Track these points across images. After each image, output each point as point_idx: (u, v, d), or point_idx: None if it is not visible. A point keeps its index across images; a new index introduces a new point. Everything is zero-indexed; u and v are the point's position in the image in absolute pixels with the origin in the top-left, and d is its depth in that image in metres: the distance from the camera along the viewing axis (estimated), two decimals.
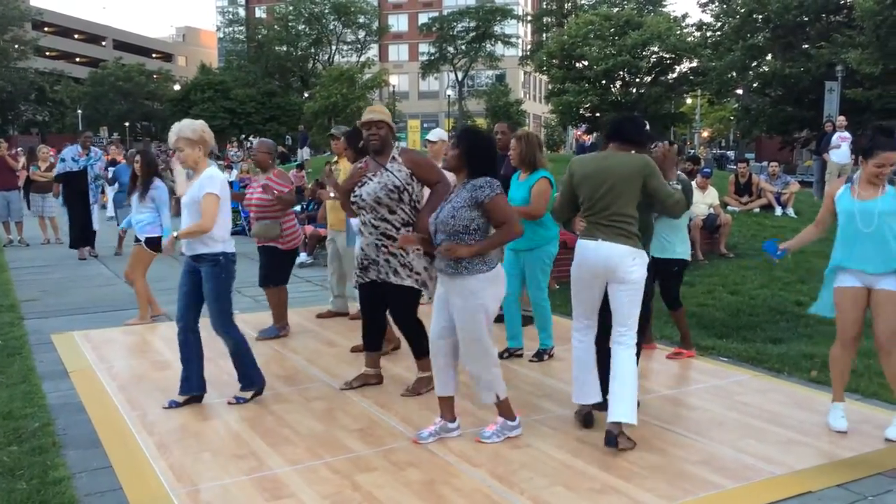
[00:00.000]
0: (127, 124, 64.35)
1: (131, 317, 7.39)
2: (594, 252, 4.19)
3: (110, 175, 12.55)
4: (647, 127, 4.58)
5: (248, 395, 4.99)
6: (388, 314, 5.31)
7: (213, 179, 4.77)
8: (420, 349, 5.04)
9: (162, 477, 3.87)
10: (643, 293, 4.24)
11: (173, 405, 4.89)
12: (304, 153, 29.64)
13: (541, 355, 5.98)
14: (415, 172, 4.98)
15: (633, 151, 4.30)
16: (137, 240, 7.29)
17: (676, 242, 5.86)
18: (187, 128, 4.78)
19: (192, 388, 4.97)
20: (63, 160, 11.57)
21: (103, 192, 15.74)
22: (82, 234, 11.45)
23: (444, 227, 4.15)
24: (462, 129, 4.47)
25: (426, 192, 5.08)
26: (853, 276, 4.41)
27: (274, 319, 6.75)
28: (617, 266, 4.14)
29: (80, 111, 60.45)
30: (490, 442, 4.26)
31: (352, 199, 5.10)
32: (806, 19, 36.44)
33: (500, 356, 5.99)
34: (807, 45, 35.98)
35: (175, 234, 4.89)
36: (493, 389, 4.24)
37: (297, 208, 12.34)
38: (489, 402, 4.32)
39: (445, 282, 4.22)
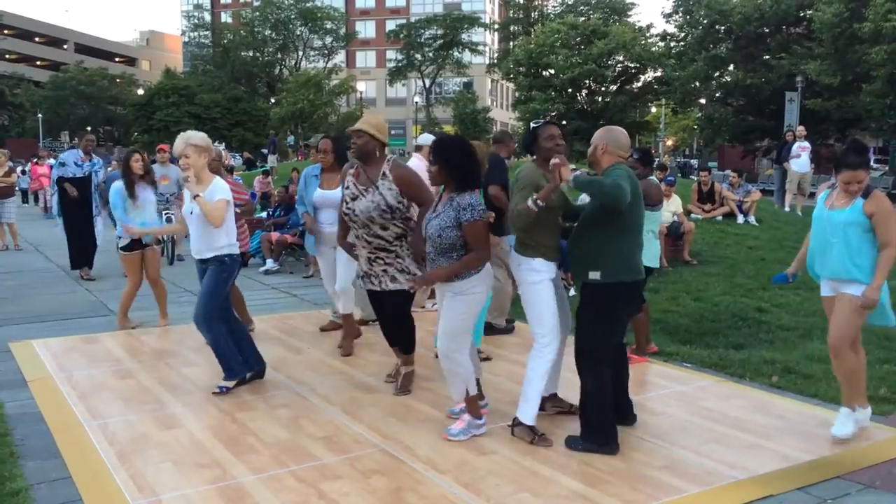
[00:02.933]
0: (89, 129, 63.22)
1: (92, 325, 7.32)
2: None
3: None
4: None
5: (231, 383, 5.24)
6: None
7: (225, 188, 5.17)
8: (410, 345, 5.23)
9: (123, 488, 3.80)
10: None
11: (223, 390, 5.19)
12: (272, 159, 29.46)
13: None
14: (403, 191, 4.95)
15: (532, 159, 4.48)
16: (145, 244, 7.22)
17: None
18: (195, 136, 5.13)
19: (251, 365, 5.41)
20: (63, 164, 10.17)
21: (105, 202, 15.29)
22: (83, 252, 10.07)
23: (433, 243, 4.24)
24: (436, 141, 4.43)
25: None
26: (827, 285, 4.53)
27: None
28: (514, 271, 4.42)
29: (40, 115, 59.39)
30: (457, 439, 4.32)
31: (344, 211, 5.09)
32: (767, 31, 37.18)
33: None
34: (768, 56, 36.72)
35: (198, 195, 5.05)
36: (464, 384, 4.34)
37: (264, 214, 12.26)
38: (459, 398, 4.38)
39: (440, 287, 4.33)
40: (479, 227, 4.16)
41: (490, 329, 6.91)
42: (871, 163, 36.71)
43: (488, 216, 4.32)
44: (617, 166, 4.19)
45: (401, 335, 5.25)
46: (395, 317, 5.19)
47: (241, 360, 5.32)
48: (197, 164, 5.09)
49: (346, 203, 5.06)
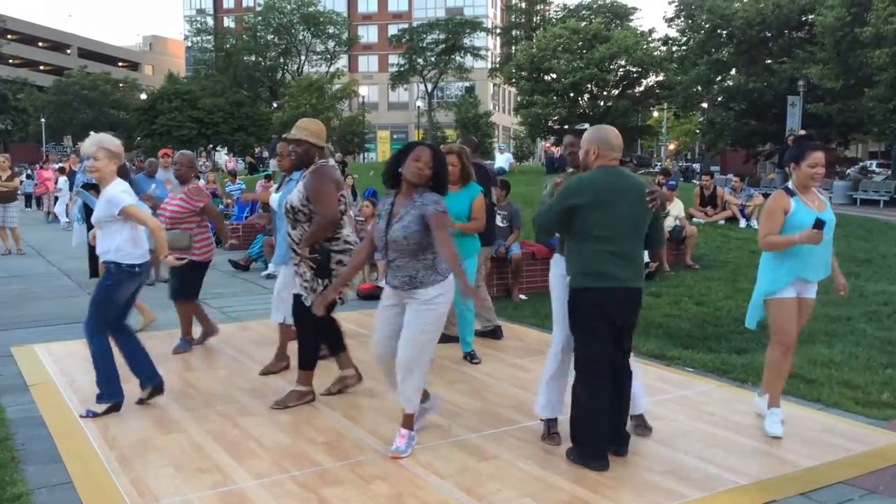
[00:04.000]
0: (92, 133, 63.39)
1: None
2: None
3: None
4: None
5: (101, 408, 4.90)
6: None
7: (125, 194, 4.90)
8: (301, 357, 5.12)
9: (123, 492, 3.80)
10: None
11: (90, 414, 4.88)
12: (273, 164, 29.48)
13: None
14: (308, 196, 4.86)
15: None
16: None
17: None
18: (109, 140, 4.94)
19: (143, 382, 5.07)
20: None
21: None
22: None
23: (398, 248, 4.15)
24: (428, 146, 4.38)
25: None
26: (793, 288, 4.57)
27: (182, 332, 6.61)
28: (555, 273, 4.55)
29: (43, 120, 59.51)
30: (406, 455, 4.22)
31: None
32: (769, 35, 37.18)
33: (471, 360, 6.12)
34: (770, 61, 36.73)
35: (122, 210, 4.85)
36: (417, 397, 4.25)
37: None
38: (410, 412, 4.28)
39: (398, 295, 4.24)
40: (445, 217, 4.09)
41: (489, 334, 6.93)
42: (864, 164, 36.65)
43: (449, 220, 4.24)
44: (580, 177, 4.15)
45: (300, 347, 5.15)
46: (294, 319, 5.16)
47: (113, 382, 4.90)
48: (105, 168, 4.88)
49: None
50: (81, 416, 4.87)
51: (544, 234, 4.38)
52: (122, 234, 4.85)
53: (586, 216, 4.02)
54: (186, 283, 6.47)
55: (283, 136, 5.38)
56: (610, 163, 4.11)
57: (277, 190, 6.28)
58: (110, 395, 4.91)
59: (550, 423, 4.50)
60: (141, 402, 5.06)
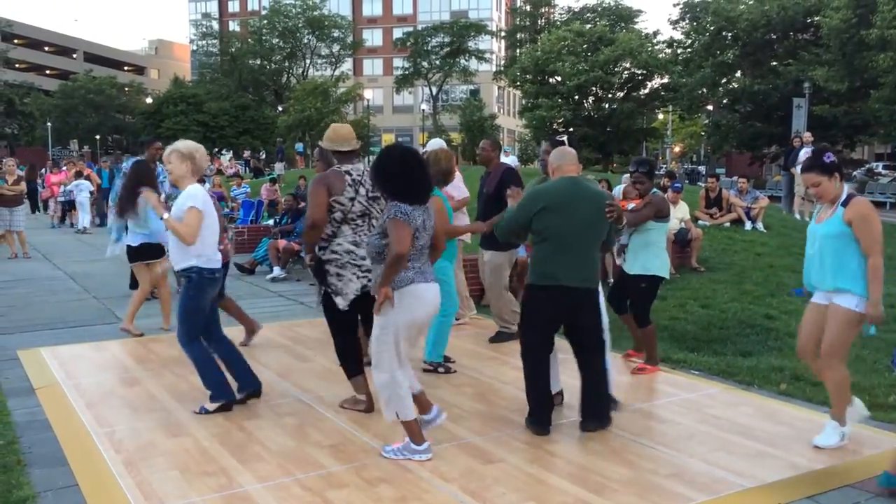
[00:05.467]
0: (98, 137, 63.71)
1: (100, 332, 7.35)
2: None
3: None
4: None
5: (213, 406, 4.98)
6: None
7: (196, 196, 4.89)
8: (343, 363, 5.14)
9: (129, 495, 3.81)
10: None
11: (203, 411, 4.96)
12: (279, 167, 29.59)
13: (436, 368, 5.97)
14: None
15: None
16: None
17: (646, 258, 5.86)
18: (182, 144, 5.01)
19: (242, 386, 5.17)
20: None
21: None
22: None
23: (368, 253, 4.29)
24: (382, 150, 4.36)
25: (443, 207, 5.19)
26: (819, 294, 4.51)
27: (245, 329, 6.74)
28: None
29: (49, 124, 59.79)
30: (388, 457, 4.21)
31: None
32: (774, 37, 37.14)
33: (436, 370, 5.94)
34: (775, 63, 36.69)
35: (166, 216, 4.90)
36: (391, 408, 4.16)
37: (271, 222, 12.29)
38: (389, 421, 4.28)
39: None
40: (398, 224, 3.98)
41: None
42: (870, 166, 36.46)
43: (405, 223, 4.07)
44: (538, 185, 4.84)
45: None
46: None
47: (224, 382, 5.03)
48: (177, 170, 4.94)
49: None
50: (194, 412, 4.94)
51: (506, 238, 4.96)
52: (203, 238, 4.88)
53: (543, 219, 4.51)
54: None
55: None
56: (568, 173, 4.65)
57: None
58: (222, 395, 5.00)
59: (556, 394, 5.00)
60: (238, 402, 5.11)
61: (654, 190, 6.01)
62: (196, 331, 4.97)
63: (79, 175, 18.86)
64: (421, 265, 4.17)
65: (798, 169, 15.65)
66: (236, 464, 4.19)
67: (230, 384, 5.08)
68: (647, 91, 45.62)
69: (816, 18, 33.55)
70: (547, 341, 4.70)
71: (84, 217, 17.71)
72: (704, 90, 39.79)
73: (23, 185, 13.89)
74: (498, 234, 4.91)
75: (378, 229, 4.15)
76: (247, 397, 5.18)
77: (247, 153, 44.13)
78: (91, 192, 18.29)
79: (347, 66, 68.36)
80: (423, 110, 59.83)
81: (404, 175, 4.09)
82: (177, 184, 5.03)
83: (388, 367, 4.12)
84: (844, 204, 4.31)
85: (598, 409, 4.67)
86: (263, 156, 42.55)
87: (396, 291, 4.07)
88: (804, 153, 15.78)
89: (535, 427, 4.65)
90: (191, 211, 4.82)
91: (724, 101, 40.17)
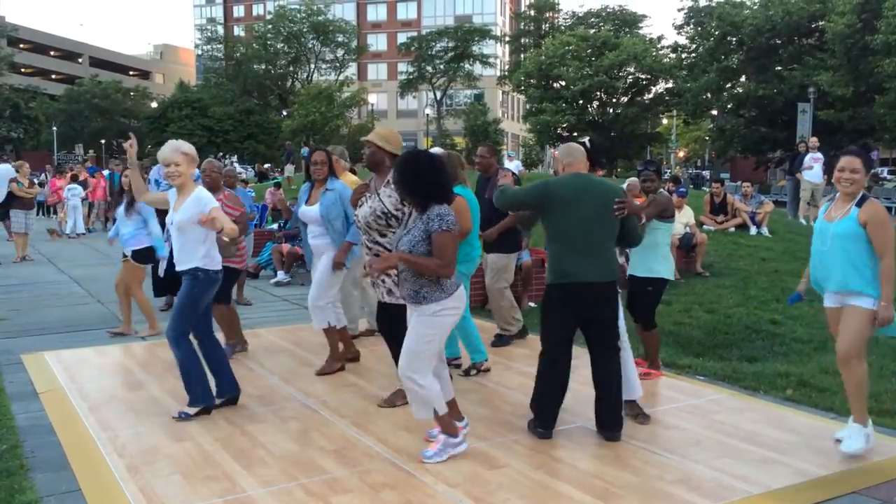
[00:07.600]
0: (103, 142, 63.89)
1: (103, 336, 7.34)
2: None
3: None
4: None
5: (193, 410, 4.97)
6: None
7: (212, 198, 4.97)
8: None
9: (132, 500, 3.79)
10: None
11: (183, 416, 4.95)
12: (288, 169, 29.60)
13: (468, 371, 6.03)
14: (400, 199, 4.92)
15: None
16: (125, 255, 7.36)
17: (653, 260, 5.83)
18: (186, 145, 5.01)
19: (222, 391, 5.16)
20: (158, 182, 9.30)
21: None
22: (172, 277, 9.61)
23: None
24: (402, 156, 4.36)
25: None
26: (831, 297, 4.49)
27: (225, 337, 6.60)
28: None
29: (55, 128, 59.94)
30: (432, 462, 4.20)
31: (353, 218, 5.25)
32: (778, 42, 37.11)
33: (467, 372, 6.00)
34: (779, 68, 36.64)
35: (210, 211, 4.81)
36: (429, 405, 4.19)
37: (275, 226, 12.28)
38: (424, 419, 4.28)
39: (409, 306, 4.25)
40: (447, 237, 4.04)
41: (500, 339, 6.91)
42: (875, 171, 36.40)
43: (457, 229, 4.17)
44: (551, 178, 4.85)
45: (393, 349, 5.13)
46: (387, 329, 5.09)
47: (205, 386, 5.01)
48: (186, 172, 4.95)
49: (356, 210, 5.11)
50: (174, 418, 4.92)
51: (506, 206, 5.00)
52: (209, 240, 4.94)
53: (554, 213, 4.54)
54: (221, 288, 6.49)
55: (360, 139, 5.44)
56: (577, 170, 4.66)
57: (308, 201, 6.17)
58: (202, 398, 5.00)
59: None
60: (216, 407, 5.11)
61: (661, 190, 6.00)
62: (187, 328, 4.98)
63: (74, 179, 18.79)
64: None
65: (803, 174, 15.66)
66: (240, 468, 4.17)
67: (210, 388, 5.07)
68: (651, 96, 45.61)
69: (821, 23, 33.53)
70: (563, 341, 4.64)
71: (77, 222, 17.47)
72: (709, 95, 39.79)
73: (37, 189, 13.95)
74: (496, 197, 4.85)
75: (417, 233, 4.10)
76: (224, 403, 5.16)
77: (266, 166, 44.02)
78: (84, 198, 18.19)
79: (352, 70, 68.49)
80: (428, 115, 59.88)
81: (433, 175, 4.14)
82: (181, 185, 4.94)
83: (427, 371, 4.15)
84: (859, 204, 4.30)
85: (617, 417, 4.63)
86: (267, 166, 42.68)
87: (450, 297, 4.11)
88: (809, 158, 15.76)
89: (538, 432, 4.63)
90: (219, 211, 4.87)
91: (729, 106, 40.15)
